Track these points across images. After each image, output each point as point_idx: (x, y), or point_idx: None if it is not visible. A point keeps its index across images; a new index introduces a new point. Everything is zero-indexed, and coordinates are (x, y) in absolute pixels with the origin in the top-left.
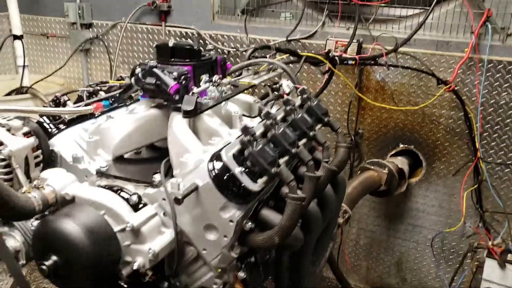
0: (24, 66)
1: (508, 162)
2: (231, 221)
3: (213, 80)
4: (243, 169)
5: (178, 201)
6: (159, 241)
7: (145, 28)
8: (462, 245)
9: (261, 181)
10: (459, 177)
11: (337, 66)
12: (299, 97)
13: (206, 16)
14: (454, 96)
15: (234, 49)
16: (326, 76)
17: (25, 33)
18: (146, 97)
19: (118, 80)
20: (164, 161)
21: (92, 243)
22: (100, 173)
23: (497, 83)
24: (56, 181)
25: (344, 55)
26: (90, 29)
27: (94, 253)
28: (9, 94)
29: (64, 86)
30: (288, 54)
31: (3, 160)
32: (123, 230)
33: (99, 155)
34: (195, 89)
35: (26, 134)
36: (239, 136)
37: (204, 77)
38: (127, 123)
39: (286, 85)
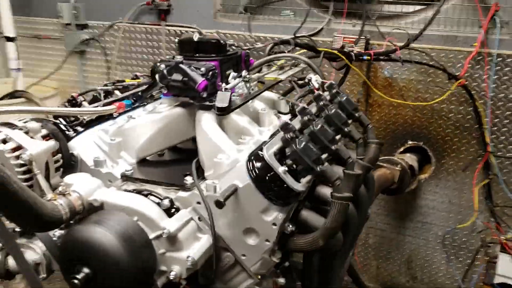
0: (18, 69)
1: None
2: (274, 224)
3: (243, 75)
4: (286, 168)
5: (220, 205)
6: (196, 248)
7: (143, 28)
8: (473, 241)
9: (304, 180)
10: (468, 173)
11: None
12: (327, 92)
13: (208, 15)
14: (463, 91)
15: (249, 48)
16: (340, 72)
17: (17, 35)
18: (168, 95)
19: (133, 78)
20: (194, 162)
21: (127, 252)
22: (126, 177)
23: (506, 77)
24: (82, 187)
25: (358, 51)
26: (86, 30)
27: (130, 263)
28: (2, 98)
29: (58, 90)
30: (305, 50)
31: (23, 165)
32: (158, 237)
33: (121, 158)
34: (225, 85)
35: (45, 137)
36: (272, 135)
37: (232, 73)
38: (151, 123)
39: (315, 80)
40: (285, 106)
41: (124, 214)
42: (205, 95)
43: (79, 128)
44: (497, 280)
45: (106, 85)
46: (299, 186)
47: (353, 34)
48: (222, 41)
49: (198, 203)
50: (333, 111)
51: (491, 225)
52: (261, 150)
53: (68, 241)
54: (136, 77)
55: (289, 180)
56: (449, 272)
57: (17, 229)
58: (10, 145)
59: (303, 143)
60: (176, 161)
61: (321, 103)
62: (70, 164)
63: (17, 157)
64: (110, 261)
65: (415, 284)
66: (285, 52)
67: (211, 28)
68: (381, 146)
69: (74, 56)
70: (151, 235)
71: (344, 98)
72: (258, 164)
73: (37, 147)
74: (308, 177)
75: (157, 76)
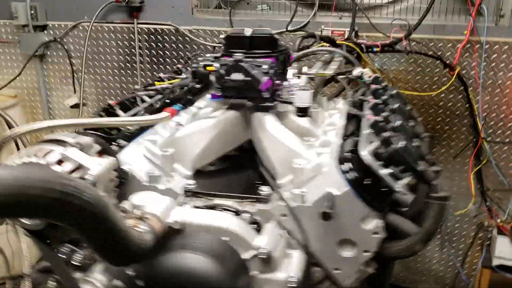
0: None
1: (506, 140)
2: (375, 233)
3: (305, 72)
4: (390, 170)
5: (328, 217)
6: (293, 266)
7: (112, 27)
8: (466, 226)
9: (402, 182)
10: (459, 160)
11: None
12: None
13: (185, 11)
14: (452, 79)
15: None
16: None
17: None
18: (215, 97)
19: (157, 81)
20: (263, 171)
21: (229, 278)
22: (190, 192)
23: (494, 63)
24: (156, 208)
25: (367, 43)
26: (45, 32)
27: None
28: None
29: (17, 99)
30: (325, 43)
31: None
32: (253, 257)
33: (175, 171)
34: (290, 83)
35: (100, 153)
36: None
37: (291, 70)
38: (206, 130)
39: (366, 74)
40: (327, 104)
41: (214, 236)
42: (268, 95)
43: (121, 141)
44: (495, 262)
45: (135, 91)
46: (402, 189)
47: (340, 27)
48: (275, 36)
49: (283, 215)
50: (397, 105)
51: (486, 210)
52: (352, 152)
53: (157, 273)
54: (161, 79)
55: (393, 183)
56: (444, 259)
57: (74, 263)
58: (69, 166)
59: (401, 141)
60: (226, 170)
61: (384, 97)
62: (121, 181)
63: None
64: None
65: (409, 273)
66: (308, 47)
67: (188, 25)
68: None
69: (33, 60)
70: (245, 256)
71: (395, 91)
72: (355, 168)
73: (99, 165)
74: (408, 179)
75: (212, 77)
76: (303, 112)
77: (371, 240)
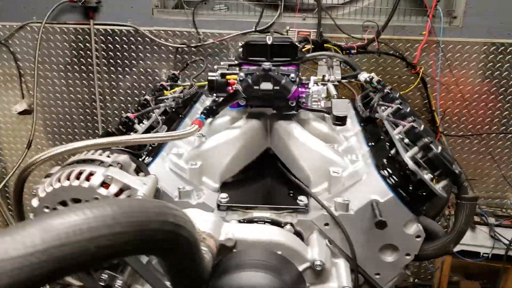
0: None
1: (460, 133)
2: (417, 236)
3: (327, 79)
4: (432, 175)
5: (382, 225)
6: (343, 276)
7: (65, 29)
8: None
9: (440, 185)
10: None
11: None
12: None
13: (144, 11)
14: (418, 78)
15: (197, 45)
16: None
17: None
18: (234, 106)
19: (159, 90)
20: (295, 181)
21: None
22: (226, 206)
23: (449, 61)
24: (207, 226)
25: (345, 45)
26: None
27: None
28: None
29: None
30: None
31: None
32: (307, 269)
33: (203, 184)
34: (311, 91)
35: (137, 172)
36: (373, 144)
37: (312, 77)
38: (232, 141)
39: (375, 78)
40: None
41: (268, 251)
42: (294, 103)
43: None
44: (456, 248)
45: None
46: (443, 192)
47: (303, 28)
48: (296, 43)
49: (326, 224)
50: (409, 109)
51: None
52: (388, 158)
53: None
54: (163, 87)
55: (435, 187)
56: None
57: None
58: (115, 188)
59: (439, 146)
60: (245, 180)
61: (398, 101)
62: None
63: None
64: None
65: None
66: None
67: (148, 26)
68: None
69: None
70: (300, 268)
71: (398, 94)
72: (395, 174)
73: (145, 185)
74: (444, 182)
75: (239, 87)
76: (341, 121)
77: (413, 244)
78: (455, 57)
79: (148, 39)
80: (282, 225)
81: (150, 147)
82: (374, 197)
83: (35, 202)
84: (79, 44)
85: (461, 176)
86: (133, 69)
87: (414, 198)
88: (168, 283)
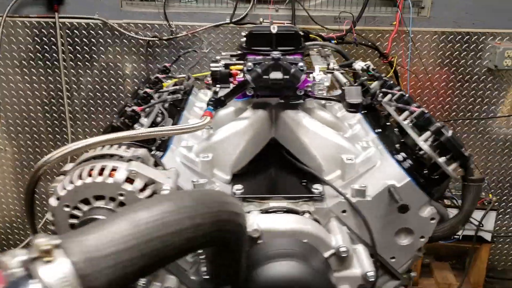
0: None
1: None
2: (432, 219)
3: (332, 68)
4: (446, 158)
5: (405, 209)
6: (364, 261)
7: (27, 22)
8: None
9: (452, 167)
10: None
11: None
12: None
13: (112, 3)
14: (383, 67)
15: (170, 38)
16: None
17: None
18: (240, 97)
19: (154, 82)
20: (307, 169)
21: (325, 279)
22: (241, 197)
23: (418, 51)
24: None
25: (326, 36)
26: None
27: None
28: None
29: None
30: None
31: None
32: (331, 256)
33: (215, 176)
34: (315, 79)
35: (156, 165)
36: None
37: (317, 65)
38: (242, 132)
39: (371, 66)
40: None
41: (295, 239)
42: (302, 92)
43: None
44: None
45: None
46: (455, 174)
47: (275, 19)
48: (300, 32)
49: (343, 211)
50: (407, 97)
51: None
52: (404, 143)
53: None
54: (159, 80)
55: (449, 169)
56: None
57: None
58: (140, 183)
59: (450, 130)
60: (250, 171)
61: (397, 88)
62: None
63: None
64: None
65: None
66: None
67: (117, 18)
68: None
69: None
70: (326, 255)
71: (392, 82)
72: (412, 159)
73: (169, 178)
74: (455, 164)
75: (248, 76)
76: (355, 108)
77: (428, 226)
78: (423, 46)
79: (117, 33)
80: (300, 214)
81: (160, 141)
82: (391, 182)
83: (53, 202)
84: (43, 38)
85: (470, 159)
86: (102, 63)
87: (428, 181)
88: (193, 277)
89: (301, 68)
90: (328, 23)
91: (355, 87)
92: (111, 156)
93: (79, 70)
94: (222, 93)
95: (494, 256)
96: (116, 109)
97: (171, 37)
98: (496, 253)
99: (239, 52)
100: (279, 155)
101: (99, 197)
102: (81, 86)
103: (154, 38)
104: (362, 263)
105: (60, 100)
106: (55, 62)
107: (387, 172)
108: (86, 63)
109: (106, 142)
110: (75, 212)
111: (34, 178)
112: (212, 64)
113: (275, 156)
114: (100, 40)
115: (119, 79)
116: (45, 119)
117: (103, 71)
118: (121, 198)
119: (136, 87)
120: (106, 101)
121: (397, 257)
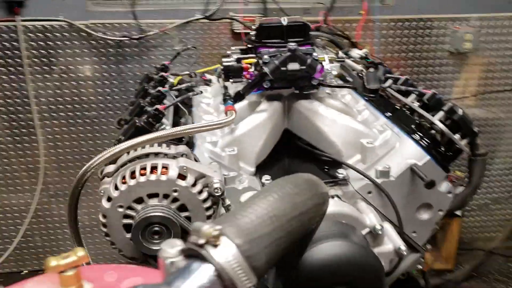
0: None
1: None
2: (449, 192)
3: (341, 57)
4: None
5: (432, 184)
6: (394, 237)
7: None
8: None
9: (463, 143)
10: None
11: None
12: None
13: (78, 4)
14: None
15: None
16: None
17: None
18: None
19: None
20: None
21: (372, 254)
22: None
23: (383, 39)
24: None
25: None
26: None
27: (379, 265)
28: None
29: None
30: None
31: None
32: (367, 234)
33: (241, 169)
34: (328, 69)
35: (196, 161)
36: (392, 110)
37: (326, 55)
38: (262, 124)
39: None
40: None
41: (336, 221)
42: (316, 82)
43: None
44: None
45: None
46: (468, 149)
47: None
48: (308, 23)
49: (369, 192)
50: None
51: None
52: (418, 124)
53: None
54: (164, 78)
55: (463, 146)
56: None
57: None
58: (191, 178)
59: (460, 109)
60: (277, 161)
61: (397, 73)
62: None
63: (202, 191)
64: (368, 269)
65: None
66: None
67: (83, 19)
68: None
69: None
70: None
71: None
72: (428, 137)
73: (216, 172)
74: (466, 140)
75: (266, 69)
76: (374, 93)
77: (446, 200)
78: (389, 33)
79: (84, 33)
80: (332, 196)
81: (184, 138)
82: (413, 161)
83: (106, 203)
84: (5, 43)
85: (478, 135)
86: (70, 66)
87: (444, 157)
88: None
89: (316, 58)
90: (299, 15)
91: (373, 73)
92: (155, 154)
93: (45, 75)
94: (233, 87)
95: (462, 229)
96: (86, 113)
97: (141, 35)
98: (464, 226)
99: (248, 46)
100: (294, 145)
101: (152, 195)
102: (48, 90)
103: (124, 38)
104: (392, 239)
105: (26, 107)
106: (20, 68)
107: (407, 152)
108: (52, 66)
109: (146, 142)
110: (129, 212)
111: (79, 186)
112: (224, 59)
113: (289, 146)
114: (66, 42)
115: (88, 81)
116: (12, 127)
117: (70, 74)
118: (175, 194)
119: (137, 87)
120: (75, 104)
121: (418, 232)
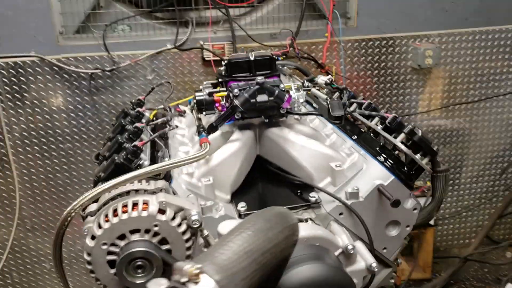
0: None
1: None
2: (414, 209)
3: (306, 86)
4: (421, 155)
5: (397, 203)
6: (366, 255)
7: None
8: None
9: (425, 162)
10: None
11: None
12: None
13: (48, 39)
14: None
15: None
16: None
17: None
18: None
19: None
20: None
21: (346, 276)
22: (244, 215)
23: (349, 58)
24: None
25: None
26: None
27: (354, 286)
28: None
29: None
30: None
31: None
32: (339, 254)
33: (217, 198)
34: (295, 97)
35: (174, 194)
36: (358, 133)
37: (293, 84)
38: (236, 154)
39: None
40: None
41: (309, 245)
42: (285, 110)
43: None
44: None
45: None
46: (428, 167)
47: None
48: (274, 56)
49: (341, 214)
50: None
51: None
52: (383, 146)
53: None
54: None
55: (424, 164)
56: None
57: None
58: (171, 212)
59: (420, 130)
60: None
61: (360, 98)
62: None
63: (181, 224)
64: None
65: None
66: None
67: (55, 54)
68: None
69: None
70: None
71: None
72: (391, 158)
73: (194, 204)
74: (426, 159)
75: (237, 102)
76: (339, 119)
77: (412, 216)
78: (354, 53)
79: (56, 68)
80: (304, 221)
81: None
82: (379, 182)
83: (90, 242)
84: None
85: (437, 153)
86: (43, 101)
87: (408, 176)
88: None
89: (283, 89)
90: (265, 40)
91: (337, 101)
92: (136, 191)
93: (19, 110)
94: (205, 120)
95: (436, 238)
96: (61, 145)
97: (113, 67)
98: (438, 235)
99: (219, 80)
100: (266, 171)
101: (134, 231)
102: (22, 125)
103: (96, 70)
104: (364, 257)
105: (1, 143)
106: None
107: (373, 173)
108: (26, 101)
109: (127, 181)
110: (112, 248)
111: (63, 226)
112: (197, 94)
113: (262, 172)
114: (39, 77)
115: (62, 114)
116: None
117: (44, 108)
118: (155, 228)
119: (113, 122)
120: (50, 138)
121: (388, 247)
